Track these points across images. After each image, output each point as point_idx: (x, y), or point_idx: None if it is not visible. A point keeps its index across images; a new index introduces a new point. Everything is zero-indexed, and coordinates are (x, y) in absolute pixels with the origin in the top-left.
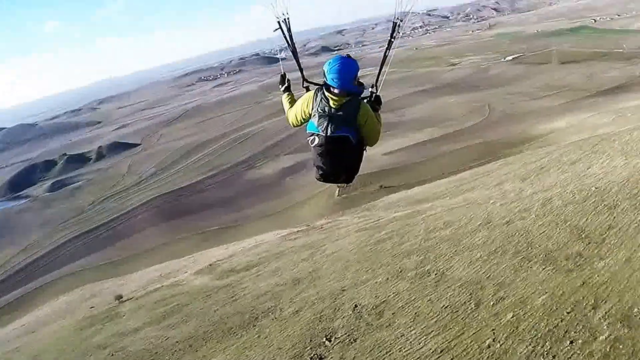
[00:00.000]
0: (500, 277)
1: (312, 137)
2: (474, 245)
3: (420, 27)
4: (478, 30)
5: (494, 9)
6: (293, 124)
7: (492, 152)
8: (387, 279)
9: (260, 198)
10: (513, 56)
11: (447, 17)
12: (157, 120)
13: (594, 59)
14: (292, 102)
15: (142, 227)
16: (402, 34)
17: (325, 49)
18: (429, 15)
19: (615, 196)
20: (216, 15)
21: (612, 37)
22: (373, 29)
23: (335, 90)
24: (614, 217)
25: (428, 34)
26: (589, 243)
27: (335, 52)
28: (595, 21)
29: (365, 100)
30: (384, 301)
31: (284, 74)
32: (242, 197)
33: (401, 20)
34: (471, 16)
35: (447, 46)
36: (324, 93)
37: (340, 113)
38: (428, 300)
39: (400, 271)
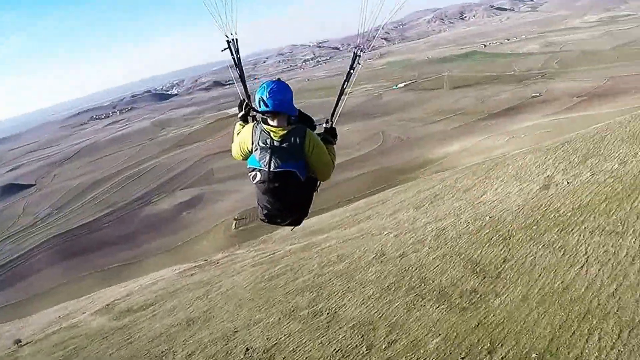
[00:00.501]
0: (392, 316)
1: (253, 173)
2: (367, 281)
3: (312, 58)
4: (369, 59)
5: (384, 39)
6: (236, 158)
7: (388, 179)
8: (280, 318)
9: (159, 233)
10: (405, 83)
11: (338, 49)
12: (50, 161)
13: (485, 82)
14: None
15: (41, 267)
16: (292, 66)
17: (218, 84)
18: (320, 47)
19: (510, 226)
20: (107, 51)
21: (503, 60)
22: (264, 62)
23: (274, 122)
24: (509, 249)
25: (320, 65)
26: (484, 278)
27: (227, 86)
28: (485, 46)
29: (319, 135)
30: (275, 344)
31: (243, 99)
32: (140, 234)
33: (362, 51)
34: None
35: (339, 76)
36: (262, 126)
37: (285, 145)
38: (319, 344)
39: (293, 310)
